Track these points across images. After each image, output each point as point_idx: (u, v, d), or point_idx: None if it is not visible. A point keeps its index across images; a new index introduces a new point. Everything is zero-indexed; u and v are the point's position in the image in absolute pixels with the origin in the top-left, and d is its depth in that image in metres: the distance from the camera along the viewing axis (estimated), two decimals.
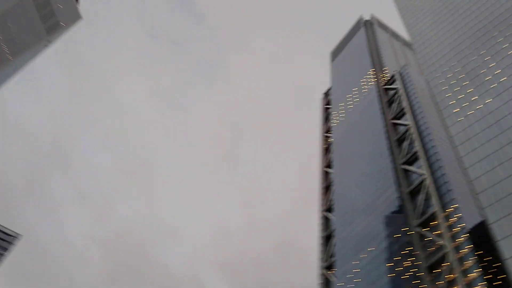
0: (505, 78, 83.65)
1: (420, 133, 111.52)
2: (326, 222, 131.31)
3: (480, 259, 75.73)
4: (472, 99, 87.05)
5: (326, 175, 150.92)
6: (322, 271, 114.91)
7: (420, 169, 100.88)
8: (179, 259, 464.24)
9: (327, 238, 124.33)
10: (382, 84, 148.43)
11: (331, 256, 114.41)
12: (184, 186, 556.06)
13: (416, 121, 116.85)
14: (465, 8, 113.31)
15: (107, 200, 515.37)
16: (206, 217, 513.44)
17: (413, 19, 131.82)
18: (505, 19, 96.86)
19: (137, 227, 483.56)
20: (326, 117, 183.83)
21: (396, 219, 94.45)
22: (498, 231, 62.17)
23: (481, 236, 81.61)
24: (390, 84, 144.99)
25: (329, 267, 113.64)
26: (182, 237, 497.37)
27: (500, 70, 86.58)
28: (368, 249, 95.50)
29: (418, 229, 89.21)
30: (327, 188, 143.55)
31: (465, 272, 74.60)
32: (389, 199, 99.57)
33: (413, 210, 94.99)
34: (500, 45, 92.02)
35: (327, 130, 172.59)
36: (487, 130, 78.34)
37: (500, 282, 65.14)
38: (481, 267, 73.73)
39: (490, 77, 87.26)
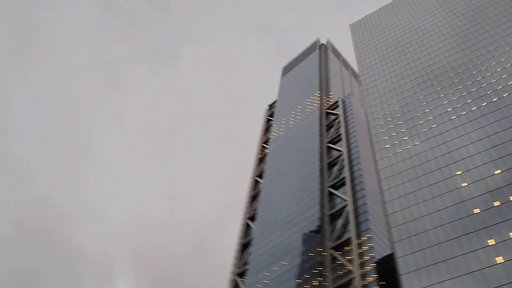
0: (435, 125, 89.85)
1: (351, 161, 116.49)
2: (247, 230, 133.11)
3: None
4: (404, 138, 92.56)
5: (255, 183, 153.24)
6: (233, 277, 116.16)
7: (344, 195, 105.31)
8: (94, 240, 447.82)
9: (245, 246, 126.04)
10: (325, 108, 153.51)
11: (245, 263, 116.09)
12: (113, 168, 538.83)
13: (349, 149, 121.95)
14: (412, 54, 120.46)
15: (27, 166, 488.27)
16: (130, 204, 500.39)
17: (365, 53, 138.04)
18: (446, 71, 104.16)
19: (55, 201, 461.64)
20: (267, 128, 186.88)
21: (313, 238, 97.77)
22: (403, 265, 66.29)
23: (387, 268, 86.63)
24: (333, 109, 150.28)
25: (241, 274, 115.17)
26: (101, 220, 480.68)
27: (432, 117, 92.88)
28: (282, 263, 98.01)
29: (331, 251, 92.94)
30: (254, 197, 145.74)
31: None
32: (310, 218, 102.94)
33: (331, 233, 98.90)
34: (437, 94, 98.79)
35: (265, 141, 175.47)
36: (410, 170, 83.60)
37: None
38: None
39: (423, 121, 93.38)
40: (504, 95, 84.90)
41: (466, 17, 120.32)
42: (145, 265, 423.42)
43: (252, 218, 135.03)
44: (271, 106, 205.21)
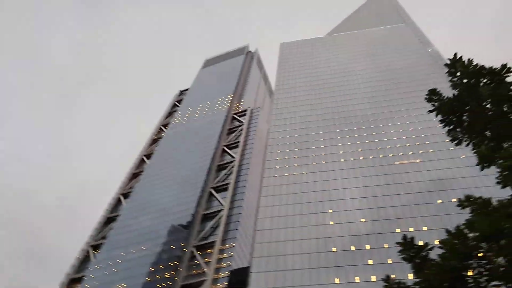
0: (324, 162, 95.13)
1: (240, 170, 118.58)
2: (116, 205, 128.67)
3: None
4: (294, 165, 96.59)
5: (141, 162, 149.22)
6: (87, 247, 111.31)
7: (223, 200, 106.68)
8: None
9: (109, 220, 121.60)
10: (232, 112, 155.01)
11: (104, 237, 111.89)
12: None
13: (242, 158, 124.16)
14: (326, 93, 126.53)
15: None
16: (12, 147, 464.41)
17: (285, 76, 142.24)
18: (349, 117, 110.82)
19: None
20: (171, 113, 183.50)
21: (180, 232, 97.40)
22: (254, 281, 68.64)
23: (240, 280, 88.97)
24: (239, 116, 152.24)
25: (96, 247, 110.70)
26: None
27: (324, 154, 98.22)
28: (141, 247, 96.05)
29: (193, 249, 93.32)
30: (135, 175, 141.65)
31: None
32: (184, 212, 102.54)
33: (198, 232, 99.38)
34: (335, 135, 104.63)
35: (165, 124, 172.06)
36: (290, 195, 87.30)
37: None
38: None
39: (315, 155, 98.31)
40: (390, 155, 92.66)
41: (383, 77, 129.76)
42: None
43: (126, 195, 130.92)
44: (182, 92, 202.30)
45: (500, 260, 9.90)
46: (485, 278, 9.71)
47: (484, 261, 9.76)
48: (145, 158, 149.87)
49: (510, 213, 9.79)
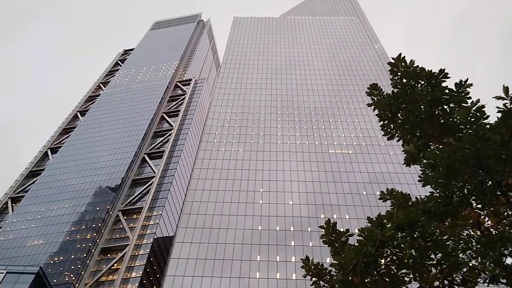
0: (267, 143, 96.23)
1: (176, 139, 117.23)
2: (43, 158, 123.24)
3: (149, 263, 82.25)
4: (232, 141, 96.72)
5: (74, 118, 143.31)
6: (6, 199, 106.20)
7: (156, 167, 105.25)
8: None
9: (33, 174, 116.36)
10: (176, 80, 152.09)
11: (25, 191, 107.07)
12: None
13: (180, 128, 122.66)
14: (270, 83, 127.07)
15: None
16: None
17: (234, 51, 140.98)
18: (289, 102, 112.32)
19: None
20: (112, 72, 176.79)
21: (107, 194, 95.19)
22: (176, 251, 68.71)
23: (162, 248, 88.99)
24: (183, 85, 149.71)
25: (16, 199, 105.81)
26: None
27: (268, 136, 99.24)
28: (65, 205, 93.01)
29: (118, 213, 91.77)
30: (67, 130, 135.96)
31: (130, 270, 79.63)
32: (113, 175, 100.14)
33: (126, 196, 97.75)
34: (274, 123, 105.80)
35: (105, 83, 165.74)
36: (224, 170, 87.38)
37: None
38: (145, 270, 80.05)
39: (256, 135, 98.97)
40: (325, 143, 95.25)
41: (328, 66, 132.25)
42: None
43: (54, 149, 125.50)
44: (127, 52, 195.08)
45: (412, 252, 10.65)
46: (395, 266, 10.45)
47: (397, 250, 10.47)
48: (79, 114, 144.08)
49: (426, 209, 10.49)
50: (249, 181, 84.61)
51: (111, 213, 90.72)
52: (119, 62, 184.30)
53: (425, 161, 10.97)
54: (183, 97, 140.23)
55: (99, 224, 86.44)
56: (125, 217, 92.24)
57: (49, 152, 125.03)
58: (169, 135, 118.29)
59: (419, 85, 11.87)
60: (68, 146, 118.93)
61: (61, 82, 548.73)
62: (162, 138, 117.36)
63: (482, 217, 11.81)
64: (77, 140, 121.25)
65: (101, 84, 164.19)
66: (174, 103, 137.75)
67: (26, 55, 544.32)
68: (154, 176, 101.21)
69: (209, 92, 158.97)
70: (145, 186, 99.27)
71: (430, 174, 10.76)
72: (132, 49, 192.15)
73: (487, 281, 10.28)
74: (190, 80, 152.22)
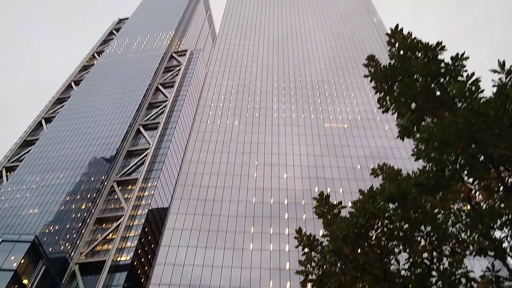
0: (262, 116, 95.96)
1: (171, 111, 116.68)
2: (37, 128, 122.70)
3: (143, 234, 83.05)
4: (228, 114, 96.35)
5: (68, 88, 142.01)
6: (0, 167, 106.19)
7: (151, 138, 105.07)
8: None
9: (27, 143, 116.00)
10: (172, 50, 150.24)
11: (19, 160, 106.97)
12: None
13: (175, 99, 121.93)
14: (267, 56, 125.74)
15: None
16: None
17: (231, 23, 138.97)
18: (286, 75, 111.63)
19: None
20: (107, 41, 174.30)
21: (102, 164, 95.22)
22: (170, 223, 69.26)
23: (157, 219, 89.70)
24: (179, 56, 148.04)
25: (10, 168, 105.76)
26: None
27: (263, 110, 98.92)
28: (60, 175, 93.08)
29: (113, 184, 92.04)
30: (61, 100, 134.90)
31: (125, 240, 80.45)
32: (108, 146, 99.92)
33: (122, 167, 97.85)
34: (270, 96, 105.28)
35: (99, 52, 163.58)
36: (218, 143, 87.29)
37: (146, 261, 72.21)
38: (140, 240, 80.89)
39: (247, 110, 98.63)
40: (320, 118, 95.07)
41: (326, 38, 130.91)
42: None
43: (48, 119, 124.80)
44: (121, 20, 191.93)
45: (402, 224, 10.76)
46: (385, 237, 10.58)
47: (387, 222, 10.57)
48: (73, 84, 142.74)
49: (417, 183, 10.54)
50: (244, 153, 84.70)
51: (106, 183, 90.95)
52: (113, 31, 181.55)
53: (419, 135, 10.93)
54: (178, 68, 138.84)
55: (94, 195, 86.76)
56: (120, 188, 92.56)
57: (43, 121, 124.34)
58: (164, 106, 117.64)
59: (417, 56, 11.75)
60: (62, 116, 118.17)
61: (56, 51, 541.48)
62: (157, 110, 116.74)
63: (473, 191, 11.88)
64: (71, 110, 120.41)
65: (95, 54, 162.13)
66: (169, 74, 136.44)
67: (19, 24, 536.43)
68: (149, 148, 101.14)
69: (205, 63, 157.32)
70: (140, 158, 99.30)
71: (423, 149, 10.74)
72: (127, 18, 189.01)
73: (473, 253, 10.44)
74: (186, 51, 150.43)
